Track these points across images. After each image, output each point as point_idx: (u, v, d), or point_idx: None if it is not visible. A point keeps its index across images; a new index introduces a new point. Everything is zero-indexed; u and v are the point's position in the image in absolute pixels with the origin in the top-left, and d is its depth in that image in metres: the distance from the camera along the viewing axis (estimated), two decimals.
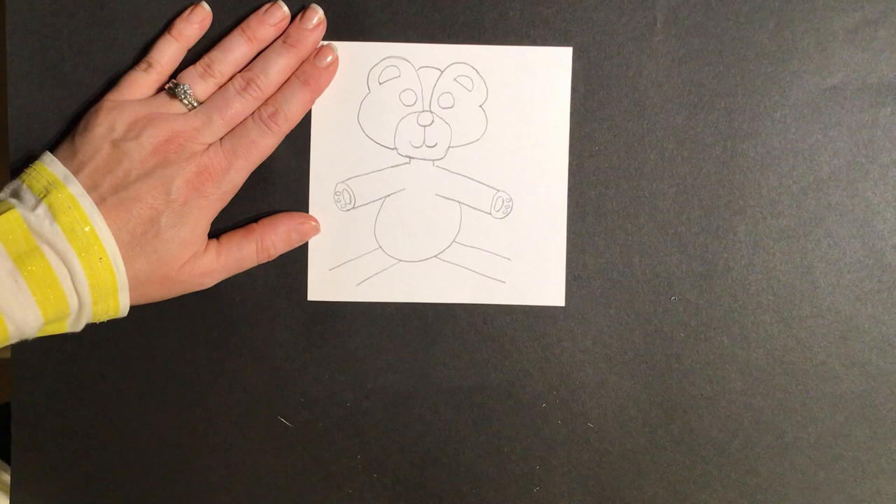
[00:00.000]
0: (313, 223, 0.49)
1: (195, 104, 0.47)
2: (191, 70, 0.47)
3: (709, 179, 0.50)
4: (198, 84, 0.47)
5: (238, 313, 0.50)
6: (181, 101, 0.46)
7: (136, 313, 0.49)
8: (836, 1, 0.49)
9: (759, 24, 0.49)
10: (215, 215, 0.47)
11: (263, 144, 0.47)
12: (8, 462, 0.52)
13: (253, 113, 0.47)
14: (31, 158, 0.47)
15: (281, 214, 0.49)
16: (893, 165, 0.49)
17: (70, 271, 0.43)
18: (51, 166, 0.45)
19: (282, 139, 0.48)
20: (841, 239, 0.49)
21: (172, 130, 0.45)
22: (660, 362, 0.50)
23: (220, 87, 0.47)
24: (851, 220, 0.49)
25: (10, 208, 0.43)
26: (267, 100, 0.47)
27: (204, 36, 0.48)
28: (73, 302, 0.43)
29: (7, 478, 0.52)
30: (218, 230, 0.49)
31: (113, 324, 0.49)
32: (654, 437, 0.50)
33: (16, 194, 0.44)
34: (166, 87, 0.47)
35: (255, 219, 0.49)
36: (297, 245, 0.49)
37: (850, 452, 0.50)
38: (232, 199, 0.48)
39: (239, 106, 0.47)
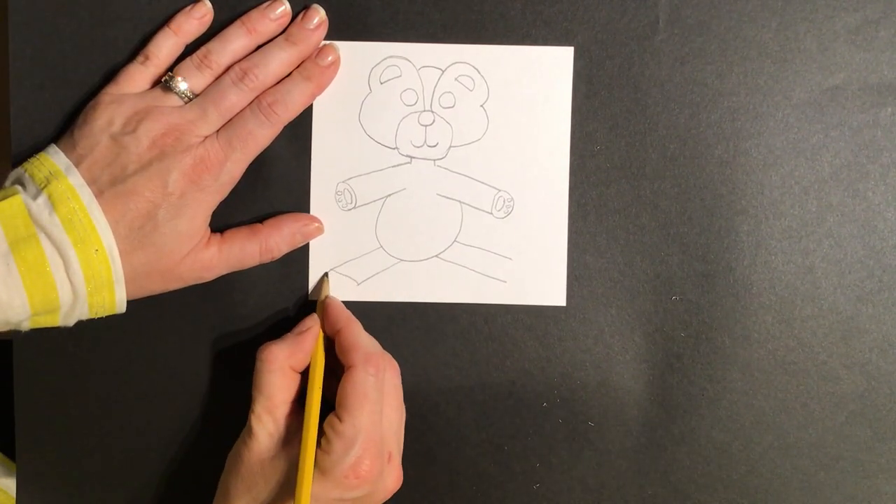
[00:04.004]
0: (317, 224, 0.49)
1: (191, 97, 0.47)
2: (187, 62, 0.47)
3: (711, 179, 0.50)
4: (194, 76, 0.47)
5: (239, 313, 0.50)
6: (176, 94, 0.46)
7: (136, 313, 0.49)
8: (837, 1, 0.49)
9: (762, 23, 0.49)
10: (214, 208, 0.47)
11: (260, 135, 0.47)
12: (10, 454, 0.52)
13: (251, 102, 0.47)
14: None
15: (285, 216, 0.49)
16: (894, 165, 0.49)
17: (65, 261, 0.43)
18: (54, 157, 0.45)
19: (279, 131, 0.47)
20: (842, 239, 0.49)
21: (169, 124, 0.45)
22: (661, 362, 0.50)
23: (217, 78, 0.47)
24: (853, 221, 0.49)
25: (15, 193, 0.44)
26: (266, 90, 0.47)
27: (203, 34, 0.48)
28: (66, 293, 0.44)
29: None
30: (220, 229, 0.49)
31: (114, 323, 0.49)
32: (654, 437, 0.50)
33: (19, 182, 0.45)
34: (162, 80, 0.47)
35: (258, 219, 0.49)
36: (300, 245, 0.49)
37: (851, 452, 0.50)
38: (233, 199, 0.48)
39: (234, 97, 0.46)
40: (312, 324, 0.47)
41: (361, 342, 0.46)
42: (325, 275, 0.50)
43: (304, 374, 0.47)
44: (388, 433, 0.46)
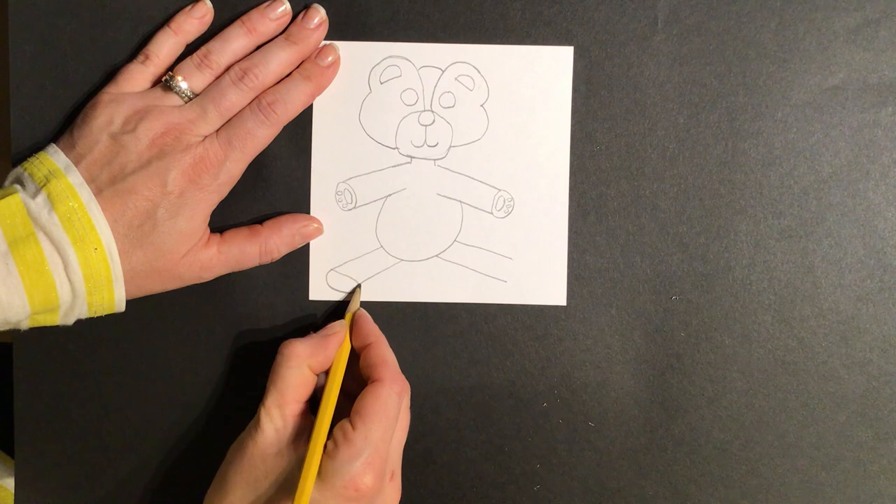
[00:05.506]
0: (316, 225, 0.49)
1: (191, 96, 0.47)
2: (187, 61, 0.47)
3: (710, 179, 0.50)
4: (194, 76, 0.47)
5: (239, 313, 0.50)
6: (176, 93, 0.46)
7: (136, 312, 0.49)
8: (837, 1, 0.49)
9: (761, 23, 0.49)
10: (213, 207, 0.47)
11: (260, 135, 0.47)
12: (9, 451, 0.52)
13: (251, 101, 0.47)
14: None
15: (285, 217, 0.49)
16: (894, 165, 0.49)
17: (63, 260, 0.43)
18: (53, 156, 0.45)
19: (279, 131, 0.47)
20: (842, 239, 0.49)
21: (168, 123, 0.45)
22: (661, 362, 0.50)
23: (217, 77, 0.47)
24: (853, 220, 0.49)
25: (14, 192, 0.44)
26: (266, 90, 0.47)
27: (203, 34, 0.49)
28: (65, 292, 0.44)
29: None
30: (220, 229, 0.49)
31: (114, 322, 0.49)
32: (654, 437, 0.50)
33: (18, 181, 0.45)
34: (162, 79, 0.47)
35: (258, 219, 0.49)
36: (300, 246, 0.49)
37: (852, 453, 0.50)
38: (233, 199, 0.48)
39: (234, 97, 0.46)
40: (340, 329, 0.47)
41: (390, 360, 0.47)
42: (358, 286, 0.50)
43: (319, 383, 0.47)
44: (394, 453, 0.46)
